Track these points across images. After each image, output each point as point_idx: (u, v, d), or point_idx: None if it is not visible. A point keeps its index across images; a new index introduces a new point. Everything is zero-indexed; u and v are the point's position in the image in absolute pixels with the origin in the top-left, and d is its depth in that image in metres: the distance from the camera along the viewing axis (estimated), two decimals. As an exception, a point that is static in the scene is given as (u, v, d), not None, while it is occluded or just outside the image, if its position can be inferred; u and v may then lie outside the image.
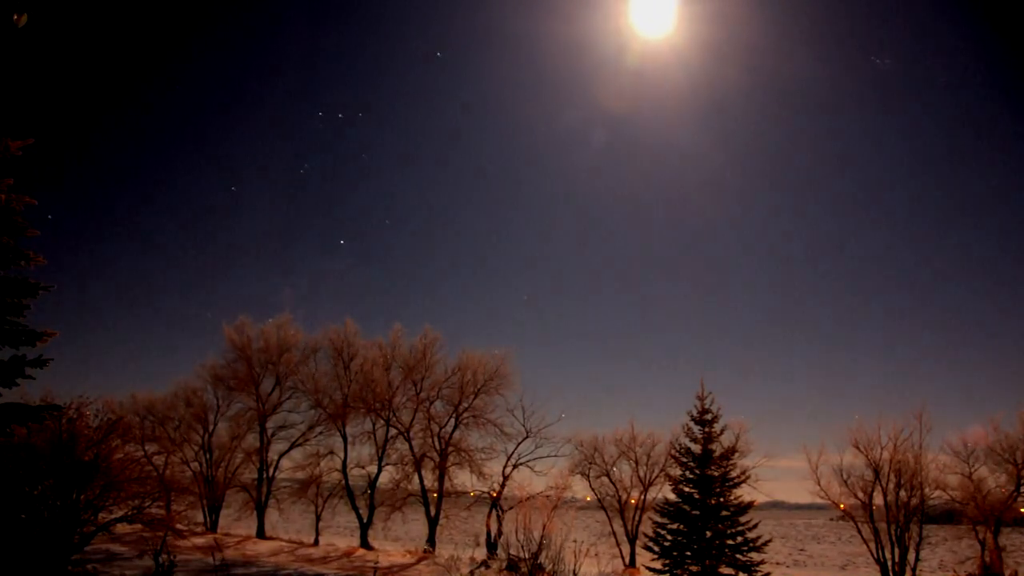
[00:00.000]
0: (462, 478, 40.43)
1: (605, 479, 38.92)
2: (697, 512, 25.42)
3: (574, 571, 25.56)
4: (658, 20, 46.94)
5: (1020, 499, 31.17)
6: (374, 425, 41.97)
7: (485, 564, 32.25)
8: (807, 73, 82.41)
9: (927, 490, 32.15)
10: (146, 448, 39.60)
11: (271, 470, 44.96)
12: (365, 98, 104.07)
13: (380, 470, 41.70)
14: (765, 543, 25.43)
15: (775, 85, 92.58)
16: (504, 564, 29.50)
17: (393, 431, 41.37)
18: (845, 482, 33.36)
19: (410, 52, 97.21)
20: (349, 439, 42.44)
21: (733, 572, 24.72)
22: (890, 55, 79.42)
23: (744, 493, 26.34)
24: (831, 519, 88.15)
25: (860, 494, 32.98)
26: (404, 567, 32.48)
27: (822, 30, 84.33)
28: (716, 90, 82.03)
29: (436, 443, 40.44)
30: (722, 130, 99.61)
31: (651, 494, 37.35)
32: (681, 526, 25.69)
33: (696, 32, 53.70)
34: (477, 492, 40.27)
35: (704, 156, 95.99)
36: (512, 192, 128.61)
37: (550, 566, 26.14)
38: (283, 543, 40.88)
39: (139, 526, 26.33)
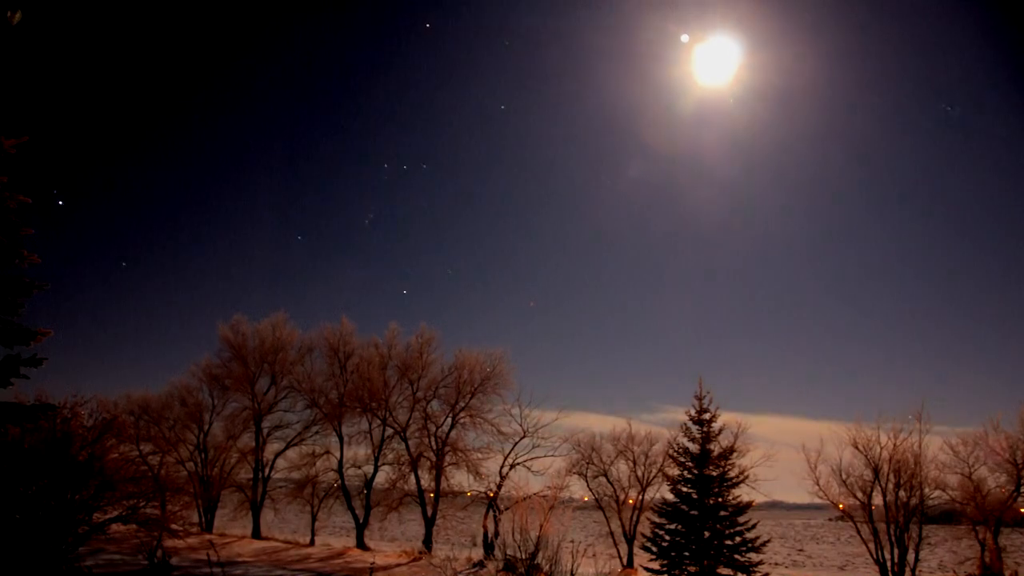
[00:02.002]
0: (459, 478, 40.34)
1: (603, 479, 38.72)
2: (695, 512, 25.25)
3: (571, 571, 25.42)
4: (719, 70, 48.06)
5: (1020, 499, 31.05)
6: (370, 425, 41.82)
7: (481, 564, 32.13)
8: (864, 122, 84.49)
9: (927, 490, 31.96)
10: (141, 448, 39.52)
11: (267, 470, 44.81)
12: (429, 150, 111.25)
13: (376, 470, 41.59)
14: (764, 543, 25.25)
15: (830, 130, 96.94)
16: (501, 565, 29.31)
17: (389, 431, 41.22)
18: (844, 482, 33.14)
19: (474, 105, 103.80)
20: (345, 439, 42.34)
21: (731, 572, 24.54)
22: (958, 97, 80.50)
23: (742, 493, 26.17)
24: (830, 519, 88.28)
25: (859, 494, 32.79)
26: (393, 567, 32.25)
27: (883, 79, 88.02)
28: (772, 135, 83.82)
29: (433, 443, 40.28)
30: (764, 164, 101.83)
31: (649, 494, 37.16)
32: (679, 526, 25.51)
33: (754, 81, 55.26)
34: (474, 492, 40.13)
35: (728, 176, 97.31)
36: (535, 208, 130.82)
37: (547, 566, 25.99)
38: (278, 543, 40.71)
39: (134, 526, 26.21)
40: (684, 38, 47.89)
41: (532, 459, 39.04)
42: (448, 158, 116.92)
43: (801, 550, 58.90)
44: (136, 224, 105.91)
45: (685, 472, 26.04)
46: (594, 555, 29.84)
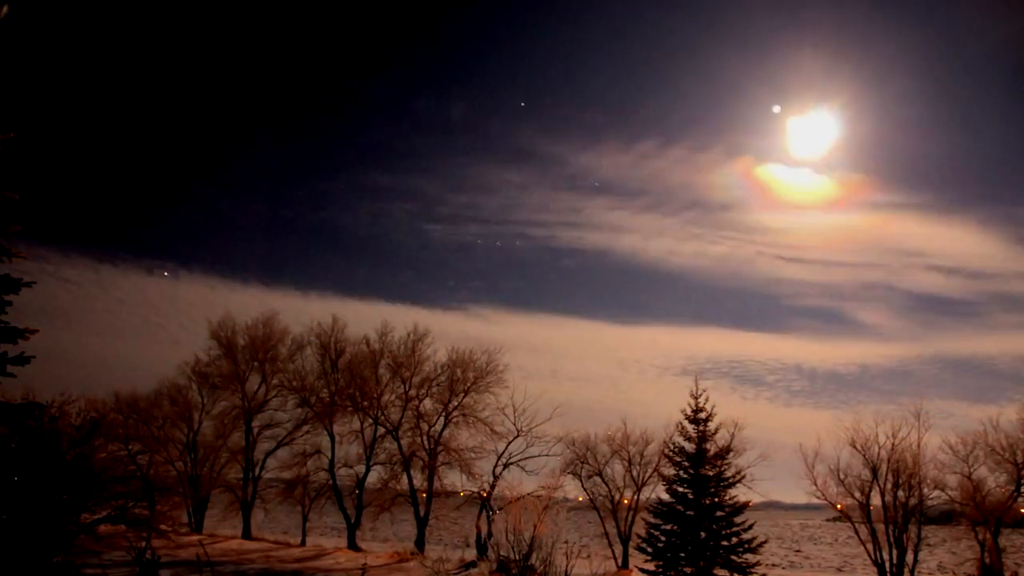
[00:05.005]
0: (452, 478, 40.04)
1: (597, 479, 38.33)
2: (691, 512, 25.00)
3: (566, 572, 25.09)
4: (815, 142, 48.96)
5: (1020, 499, 30.85)
6: (362, 424, 41.42)
7: (474, 565, 31.82)
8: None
9: (926, 490, 31.81)
10: (130, 447, 38.89)
11: (257, 469, 44.38)
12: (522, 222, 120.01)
13: (368, 470, 41.21)
14: (760, 544, 25.07)
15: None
16: (494, 566, 29.06)
17: (381, 430, 40.83)
18: (842, 482, 32.96)
19: (577, 187, 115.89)
20: (336, 438, 41.92)
21: (728, 573, 24.33)
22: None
23: (739, 493, 25.99)
24: (828, 519, 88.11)
25: (857, 494, 32.59)
26: (379, 567, 31.85)
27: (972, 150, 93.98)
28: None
29: (425, 442, 39.90)
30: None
31: (644, 494, 36.81)
32: (675, 527, 25.27)
33: (854, 154, 56.66)
34: (467, 492, 39.83)
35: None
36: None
37: (541, 568, 25.68)
38: (268, 544, 40.31)
39: (122, 526, 25.86)
40: (776, 109, 48.56)
41: (526, 459, 38.73)
42: (548, 238, 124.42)
43: (798, 551, 58.70)
44: (134, 224, 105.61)
45: (681, 472, 25.75)
46: (589, 556, 29.55)
